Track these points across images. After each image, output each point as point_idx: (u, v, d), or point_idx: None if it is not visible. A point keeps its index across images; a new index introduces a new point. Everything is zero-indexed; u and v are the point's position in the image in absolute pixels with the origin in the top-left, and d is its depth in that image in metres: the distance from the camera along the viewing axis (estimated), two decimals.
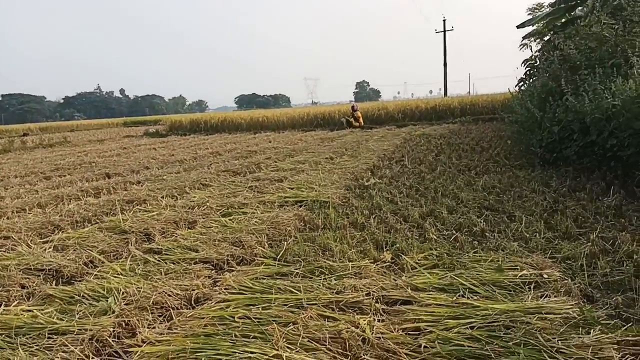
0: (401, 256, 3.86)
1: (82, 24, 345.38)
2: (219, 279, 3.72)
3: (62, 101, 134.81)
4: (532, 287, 3.10)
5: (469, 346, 2.46)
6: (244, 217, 5.45)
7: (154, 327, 2.99)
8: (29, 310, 3.25)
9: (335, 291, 3.24)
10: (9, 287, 3.72)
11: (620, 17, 9.44)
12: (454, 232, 4.42)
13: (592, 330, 2.48)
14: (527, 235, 4.14)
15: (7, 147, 20.41)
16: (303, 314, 2.90)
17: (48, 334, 2.90)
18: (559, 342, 2.39)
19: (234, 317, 2.93)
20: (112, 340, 2.84)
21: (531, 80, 12.45)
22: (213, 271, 3.96)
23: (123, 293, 3.41)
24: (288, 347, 2.53)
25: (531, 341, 2.41)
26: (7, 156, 17.43)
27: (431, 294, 3.13)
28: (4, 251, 4.66)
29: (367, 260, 3.83)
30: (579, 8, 13.12)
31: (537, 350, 2.35)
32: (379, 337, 2.61)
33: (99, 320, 3.01)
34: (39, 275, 4.00)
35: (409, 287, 3.24)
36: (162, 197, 6.99)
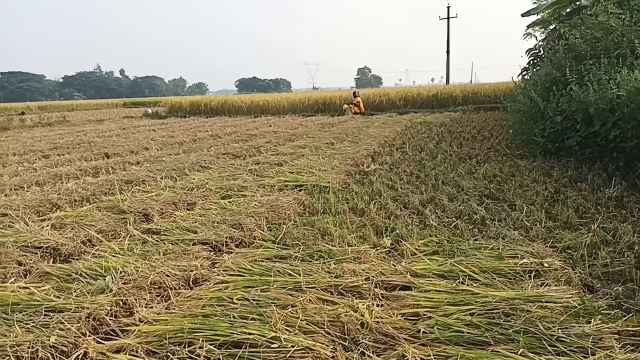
0: (401, 242, 3.84)
1: (83, 2, 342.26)
2: (218, 261, 3.70)
3: (61, 80, 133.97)
4: (532, 276, 3.09)
5: (468, 332, 2.44)
6: (243, 200, 5.42)
7: (151, 307, 2.98)
8: (26, 288, 3.22)
9: (334, 275, 3.23)
10: (6, 264, 3.69)
11: (627, 6, 9.33)
12: (454, 219, 4.40)
13: (592, 320, 2.46)
14: (528, 224, 4.12)
15: (6, 125, 20.29)
16: (302, 297, 2.88)
17: (45, 311, 2.88)
18: (559, 330, 2.38)
19: (232, 299, 2.92)
20: (109, 319, 2.82)
21: (535, 69, 12.36)
22: (212, 252, 3.94)
23: (121, 272, 3.39)
24: (286, 330, 2.52)
25: (531, 329, 2.40)
26: (6, 134, 17.34)
27: (431, 280, 3.12)
28: (1, 228, 4.63)
29: (366, 246, 3.81)
30: None
31: (537, 339, 2.34)
32: (378, 322, 2.60)
33: (96, 299, 2.99)
34: (37, 253, 3.98)
35: (408, 273, 3.22)
36: (161, 178, 6.96)
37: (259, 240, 4.13)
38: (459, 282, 3.04)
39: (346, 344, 2.47)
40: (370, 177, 6.52)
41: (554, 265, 3.21)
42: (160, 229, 4.47)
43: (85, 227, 4.55)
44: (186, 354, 2.39)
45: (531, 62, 13.25)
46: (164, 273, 3.35)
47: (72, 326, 2.67)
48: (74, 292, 3.12)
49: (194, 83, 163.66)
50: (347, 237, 4.00)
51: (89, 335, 2.65)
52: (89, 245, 4.20)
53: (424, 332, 2.49)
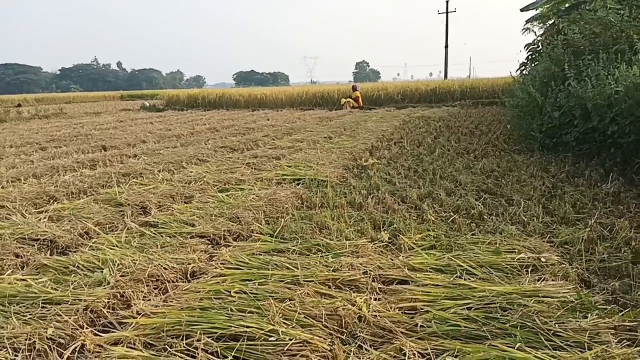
0: (399, 236, 3.84)
1: None
2: (215, 254, 3.70)
3: (58, 72, 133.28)
4: (529, 271, 3.10)
5: (465, 326, 2.45)
6: (241, 194, 5.41)
7: (149, 300, 2.98)
8: (23, 280, 3.22)
9: (332, 269, 3.23)
10: (3, 256, 3.68)
11: (626, 2, 9.32)
12: (452, 214, 4.40)
13: (589, 315, 2.47)
14: (525, 219, 4.12)
15: (2, 117, 20.17)
16: (299, 290, 2.89)
17: (42, 303, 2.88)
18: (556, 325, 2.38)
19: (230, 292, 2.92)
20: (107, 311, 2.82)
21: (533, 64, 12.34)
22: (209, 246, 3.94)
23: (118, 265, 3.39)
24: (284, 323, 2.52)
25: (528, 323, 2.41)
26: (3, 126, 17.26)
27: (428, 274, 3.12)
28: None
29: (364, 240, 3.81)
30: None
31: (534, 333, 2.34)
32: (375, 315, 2.61)
33: (94, 291, 2.99)
34: (34, 245, 3.97)
35: (406, 267, 3.23)
36: (159, 171, 6.94)
37: (257, 233, 4.13)
38: (456, 277, 3.05)
39: (344, 337, 2.48)
40: (368, 171, 6.51)
41: (551, 260, 3.22)
42: (157, 222, 4.46)
43: (83, 220, 4.54)
44: (184, 346, 2.39)
45: (530, 57, 13.21)
46: (161, 266, 3.35)
47: (70, 318, 2.67)
48: (72, 284, 3.12)
49: (191, 76, 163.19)
50: (344, 231, 4.00)
51: (87, 328, 2.65)
52: (86, 238, 4.19)
53: (421, 326, 2.50)
